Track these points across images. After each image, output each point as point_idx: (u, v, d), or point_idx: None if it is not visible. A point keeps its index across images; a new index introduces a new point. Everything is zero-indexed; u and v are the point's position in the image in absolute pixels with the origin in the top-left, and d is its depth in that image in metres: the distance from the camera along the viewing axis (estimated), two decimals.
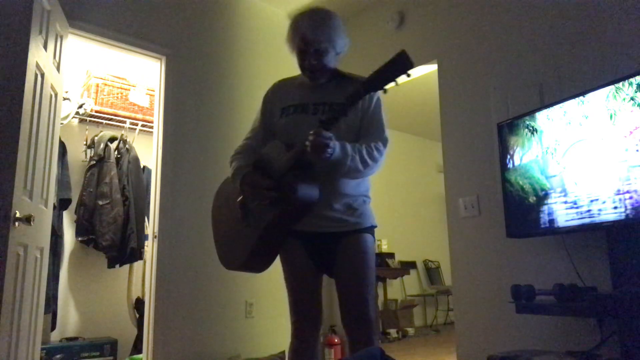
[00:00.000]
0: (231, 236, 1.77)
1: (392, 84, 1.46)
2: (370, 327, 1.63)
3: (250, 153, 1.79)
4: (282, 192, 1.57)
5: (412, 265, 6.40)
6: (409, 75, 1.44)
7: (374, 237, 1.75)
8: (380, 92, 1.69)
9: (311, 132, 1.50)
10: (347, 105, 1.51)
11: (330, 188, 1.64)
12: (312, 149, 1.50)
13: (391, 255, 5.86)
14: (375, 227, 1.76)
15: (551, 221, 2.18)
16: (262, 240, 1.65)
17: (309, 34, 1.66)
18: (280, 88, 1.87)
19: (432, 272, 6.72)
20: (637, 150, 1.87)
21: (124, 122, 3.78)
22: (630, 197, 1.88)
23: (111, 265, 3.52)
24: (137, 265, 3.68)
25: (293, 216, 1.63)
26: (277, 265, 1.77)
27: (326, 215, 1.65)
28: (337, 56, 1.75)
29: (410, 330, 5.58)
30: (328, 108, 1.70)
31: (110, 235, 3.46)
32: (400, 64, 1.43)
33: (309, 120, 1.68)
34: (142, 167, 3.81)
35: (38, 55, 2.20)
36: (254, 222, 1.66)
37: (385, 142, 1.71)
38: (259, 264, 1.74)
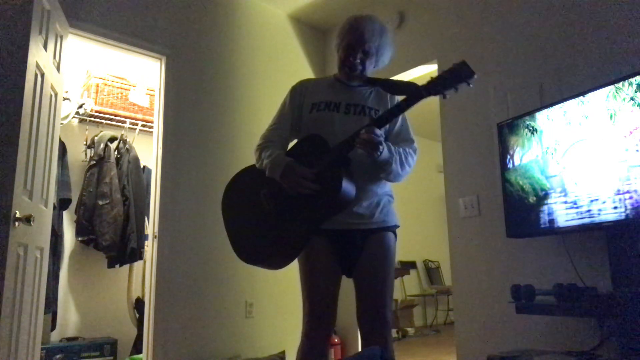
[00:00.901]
0: (254, 230, 1.73)
1: (452, 91, 1.52)
2: (387, 327, 1.63)
3: (281, 142, 1.78)
4: (326, 186, 1.57)
5: (412, 265, 6.40)
6: (469, 84, 1.50)
7: (396, 236, 1.76)
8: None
9: (364, 129, 1.53)
10: (405, 105, 1.57)
11: (361, 186, 1.64)
12: (364, 145, 1.53)
13: None
14: (398, 226, 1.78)
15: (551, 221, 2.18)
16: (292, 235, 1.63)
17: (367, 35, 1.72)
18: (310, 84, 1.88)
19: (432, 272, 6.72)
20: (637, 150, 1.87)
21: (124, 122, 3.78)
22: (630, 197, 1.88)
23: (111, 265, 3.52)
24: (137, 265, 3.68)
25: (330, 212, 1.62)
26: None
27: (355, 212, 1.65)
28: (374, 69, 1.81)
29: (410, 330, 5.58)
30: (360, 109, 1.73)
31: (110, 235, 3.46)
32: (462, 73, 1.49)
33: (340, 119, 1.71)
34: (142, 167, 3.81)
35: (38, 55, 2.20)
36: (284, 216, 1.65)
37: (415, 151, 1.77)
38: (283, 259, 1.71)
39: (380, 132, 1.54)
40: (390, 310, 1.66)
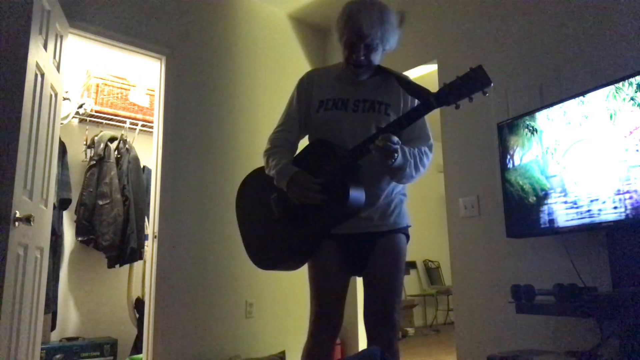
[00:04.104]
0: (265, 235, 1.72)
1: (465, 100, 1.40)
2: (394, 330, 1.61)
3: (288, 146, 1.74)
4: (334, 196, 1.53)
5: (412, 265, 6.40)
6: (485, 93, 1.38)
7: (408, 236, 1.72)
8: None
9: (380, 137, 1.44)
10: (416, 116, 1.49)
11: (371, 190, 1.60)
12: (380, 153, 1.46)
13: None
14: (410, 226, 1.74)
15: (551, 221, 2.18)
16: (302, 241, 1.62)
17: (365, 29, 1.57)
18: (317, 78, 1.78)
19: (432, 272, 6.72)
20: (637, 150, 1.87)
21: (124, 122, 3.79)
22: (630, 197, 1.88)
23: (111, 265, 3.52)
24: (137, 265, 3.68)
25: (338, 220, 1.59)
26: None
27: (366, 216, 1.62)
28: (384, 52, 1.68)
29: (410, 330, 5.58)
30: (369, 105, 1.66)
31: (110, 235, 3.46)
32: (478, 80, 1.37)
33: (348, 117, 1.65)
34: (142, 167, 3.81)
35: (38, 55, 2.20)
36: (294, 222, 1.63)
37: (430, 148, 1.70)
38: (294, 264, 1.71)
39: (396, 139, 1.44)
40: (398, 313, 1.62)
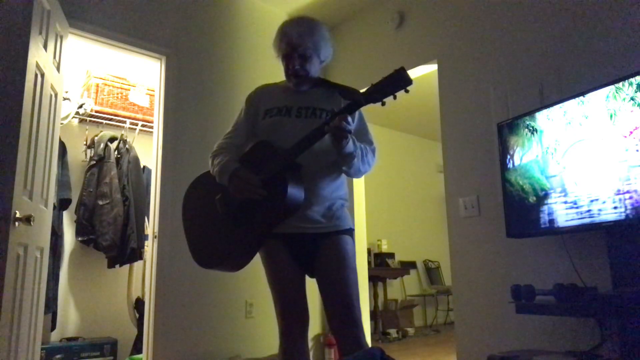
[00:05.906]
0: (209, 234, 1.76)
1: (390, 98, 1.53)
2: (357, 327, 1.62)
3: (234, 150, 1.80)
4: (273, 192, 1.59)
5: (412, 265, 6.40)
6: (407, 91, 1.51)
7: (353, 239, 1.76)
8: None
9: (337, 117, 1.52)
10: (348, 113, 1.56)
11: (312, 191, 1.65)
12: (336, 132, 1.52)
13: (391, 255, 5.86)
14: (353, 229, 1.78)
15: (551, 221, 2.18)
16: (244, 239, 1.65)
17: (295, 39, 1.72)
18: (265, 91, 1.90)
19: (432, 272, 6.72)
20: (637, 150, 1.87)
21: (124, 122, 3.78)
22: (630, 197, 1.88)
23: (111, 265, 3.52)
24: (137, 265, 3.68)
25: (278, 217, 1.63)
26: None
27: (307, 217, 1.66)
28: (321, 64, 1.81)
29: (410, 330, 5.58)
30: (312, 112, 1.74)
31: (110, 236, 3.46)
32: (400, 80, 1.50)
33: (292, 122, 1.72)
34: (142, 167, 3.81)
35: (38, 55, 2.20)
36: (237, 220, 1.67)
37: (374, 152, 1.78)
38: (236, 263, 1.74)
39: (351, 121, 1.55)
40: (358, 310, 1.64)
